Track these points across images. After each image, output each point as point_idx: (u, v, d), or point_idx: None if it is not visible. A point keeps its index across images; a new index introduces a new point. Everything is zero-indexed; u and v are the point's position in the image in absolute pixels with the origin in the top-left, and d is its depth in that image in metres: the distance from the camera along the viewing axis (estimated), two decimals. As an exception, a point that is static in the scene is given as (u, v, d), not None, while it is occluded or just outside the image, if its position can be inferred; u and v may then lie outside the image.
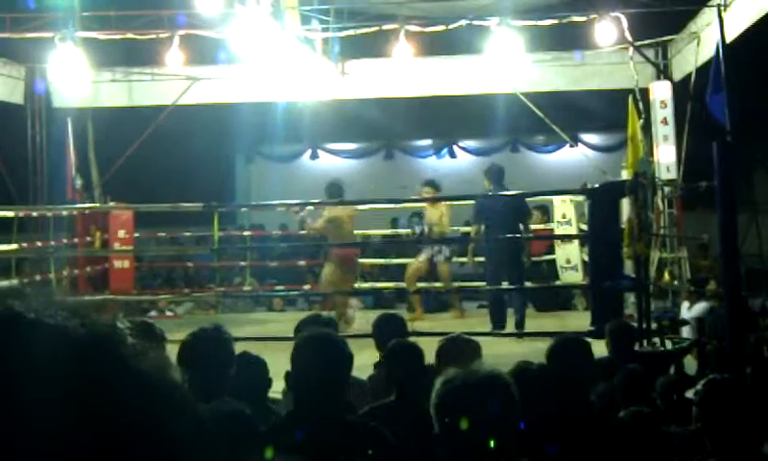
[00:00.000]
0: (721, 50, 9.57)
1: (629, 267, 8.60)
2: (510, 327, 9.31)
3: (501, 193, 9.69)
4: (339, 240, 10.04)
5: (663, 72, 12.19)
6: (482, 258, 10.12)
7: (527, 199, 10.73)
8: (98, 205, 12.28)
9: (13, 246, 10.62)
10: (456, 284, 12.42)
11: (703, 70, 10.82)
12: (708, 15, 10.68)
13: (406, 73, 12.19)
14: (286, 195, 13.35)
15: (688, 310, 9.55)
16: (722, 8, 9.81)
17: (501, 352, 7.46)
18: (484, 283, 10.05)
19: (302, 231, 13.83)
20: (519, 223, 9.60)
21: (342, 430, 3.09)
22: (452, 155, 19.77)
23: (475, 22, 11.23)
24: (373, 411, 3.92)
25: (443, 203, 10.91)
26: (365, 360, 5.66)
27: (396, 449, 3.25)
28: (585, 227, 10.54)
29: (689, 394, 4.03)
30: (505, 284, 9.61)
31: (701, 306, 9.37)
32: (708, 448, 3.39)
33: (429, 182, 10.95)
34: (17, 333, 0.63)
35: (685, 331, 8.80)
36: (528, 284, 11.99)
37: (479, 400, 2.28)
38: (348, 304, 10.16)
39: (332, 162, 19.03)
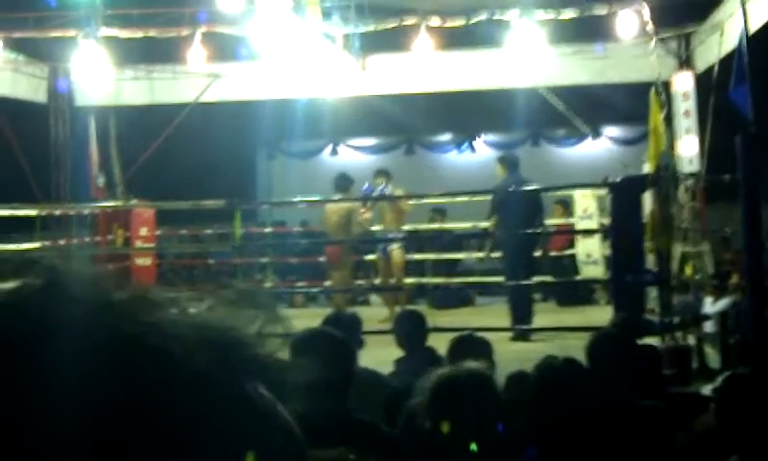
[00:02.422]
0: (744, 40, 9.47)
1: (651, 261, 8.55)
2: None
3: (525, 188, 9.59)
4: (329, 236, 10.19)
5: (686, 63, 12.10)
6: (499, 253, 10.04)
7: (548, 193, 10.68)
8: (120, 203, 12.35)
9: (37, 244, 10.71)
10: (474, 280, 12.45)
11: (726, 61, 10.71)
12: (731, 5, 10.57)
13: (427, 68, 12.17)
14: (307, 191, 13.36)
15: (712, 305, 9.47)
16: (745, -2, 9.71)
17: (521, 349, 7.45)
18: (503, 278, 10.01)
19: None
20: (534, 217, 9.52)
21: (343, 428, 3.08)
22: (473, 149, 19.73)
23: (496, 16, 11.20)
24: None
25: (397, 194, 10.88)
26: (387, 356, 5.66)
27: (395, 446, 3.25)
28: (606, 221, 10.49)
29: (707, 390, 3.99)
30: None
31: (725, 302, 9.29)
32: (728, 444, 3.36)
33: (381, 173, 10.86)
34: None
35: (708, 326, 8.74)
36: (549, 279, 11.97)
37: (462, 397, 2.29)
38: (342, 306, 10.10)
39: (353, 158, 19.03)
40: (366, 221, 10.51)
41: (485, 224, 11.20)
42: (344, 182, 10.17)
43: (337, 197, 10.39)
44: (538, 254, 10.17)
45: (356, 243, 11.21)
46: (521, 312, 9.31)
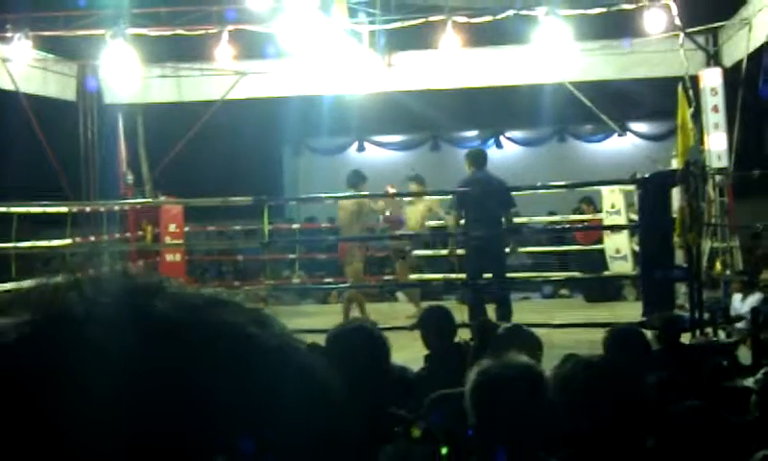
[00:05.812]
0: (773, 36, 9.42)
1: (680, 257, 8.51)
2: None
3: (491, 184, 9.37)
4: (342, 232, 10.33)
5: (714, 59, 12.01)
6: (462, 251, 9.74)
7: (574, 190, 10.55)
8: (149, 200, 12.45)
9: (68, 241, 10.82)
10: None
11: (754, 56, 10.65)
12: (759, 0, 10.51)
13: (453, 64, 12.16)
14: (333, 188, 13.39)
15: (741, 302, 9.40)
16: (774, -7, 9.65)
17: (548, 344, 7.43)
18: (533, 274, 9.97)
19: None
20: (502, 213, 9.17)
21: (376, 422, 3.09)
22: (499, 145, 19.67)
23: (523, 12, 11.17)
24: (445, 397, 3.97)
25: (428, 198, 10.77)
26: (415, 353, 5.68)
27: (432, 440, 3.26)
28: (634, 216, 10.44)
29: (748, 383, 3.99)
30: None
31: (755, 298, 9.22)
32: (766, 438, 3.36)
33: (414, 178, 10.82)
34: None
35: (740, 324, 8.67)
36: (577, 274, 11.90)
37: (512, 391, 2.28)
38: (356, 299, 10.17)
39: (379, 154, 19.05)
40: (379, 209, 10.63)
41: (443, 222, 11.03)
42: (354, 179, 10.23)
43: (350, 193, 10.46)
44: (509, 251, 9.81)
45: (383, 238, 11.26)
46: (479, 311, 8.97)
